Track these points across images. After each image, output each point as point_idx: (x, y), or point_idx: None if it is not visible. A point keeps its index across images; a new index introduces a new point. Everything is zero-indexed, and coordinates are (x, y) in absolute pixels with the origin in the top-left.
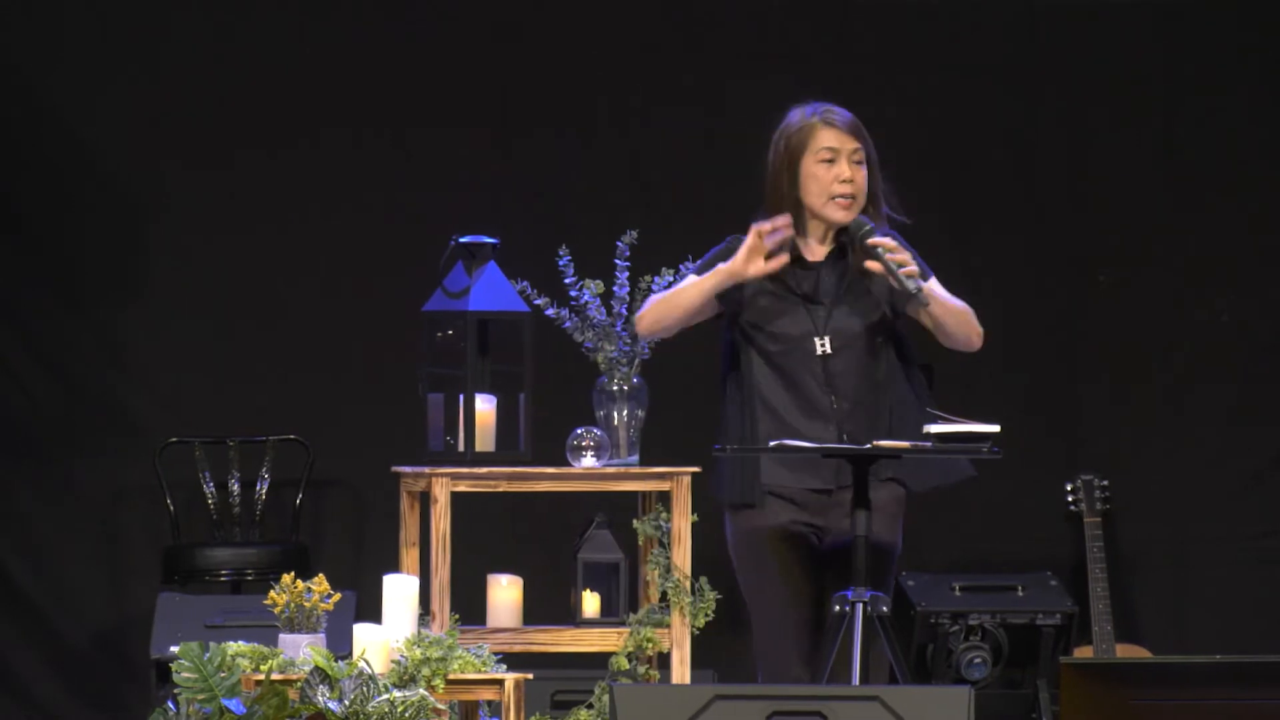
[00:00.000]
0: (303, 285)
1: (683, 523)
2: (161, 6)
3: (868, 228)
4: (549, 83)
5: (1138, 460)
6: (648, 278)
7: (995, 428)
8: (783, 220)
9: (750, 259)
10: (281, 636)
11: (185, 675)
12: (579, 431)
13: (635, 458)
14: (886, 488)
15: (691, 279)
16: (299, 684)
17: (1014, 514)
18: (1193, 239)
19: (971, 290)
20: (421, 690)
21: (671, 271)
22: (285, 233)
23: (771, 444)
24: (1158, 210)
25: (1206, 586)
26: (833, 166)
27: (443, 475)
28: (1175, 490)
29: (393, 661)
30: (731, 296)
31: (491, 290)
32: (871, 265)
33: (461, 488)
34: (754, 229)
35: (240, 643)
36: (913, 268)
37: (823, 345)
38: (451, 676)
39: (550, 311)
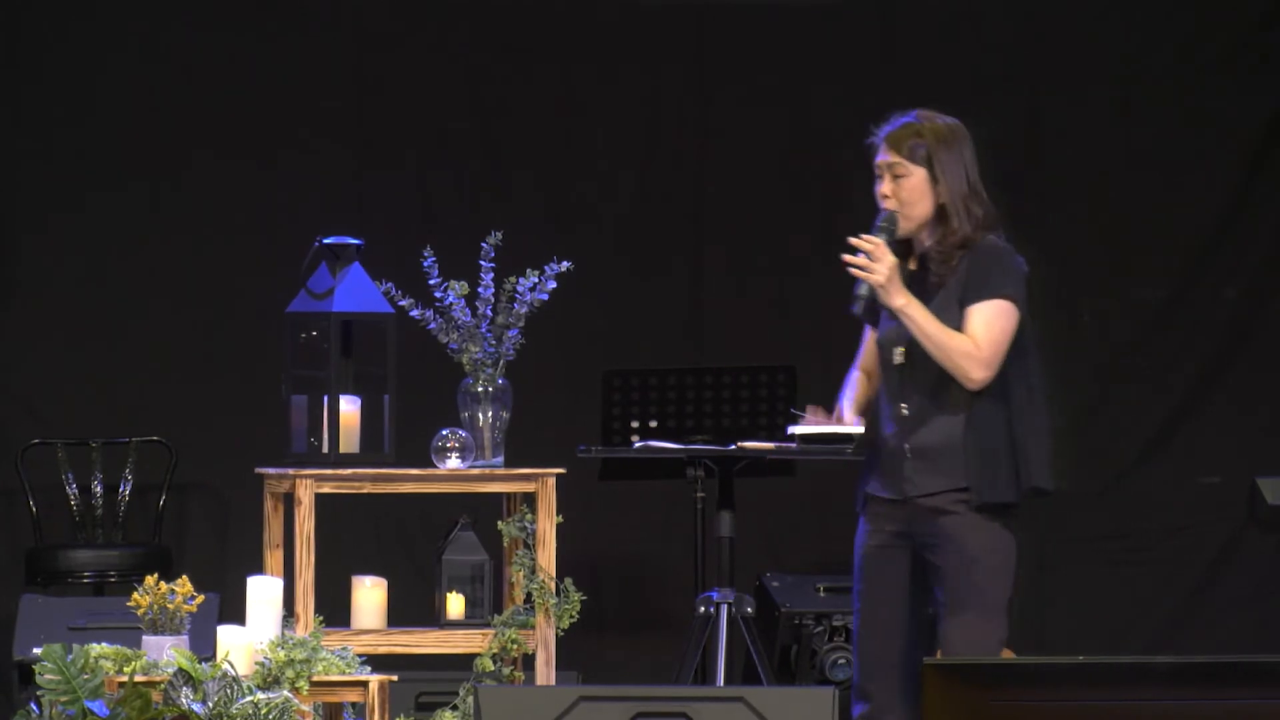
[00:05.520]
0: (166, 287)
1: (547, 524)
2: (13, 18)
3: (881, 225)
4: (410, 84)
5: None
6: (512, 279)
7: (859, 429)
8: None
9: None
10: (145, 638)
11: (48, 677)
12: (444, 433)
13: (500, 459)
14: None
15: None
16: (162, 686)
17: None
18: (1055, 241)
19: (828, 294)
20: (285, 692)
21: (536, 273)
22: (147, 235)
23: (637, 445)
24: (1019, 212)
25: (1065, 587)
26: (880, 185)
27: (307, 477)
28: None
29: (257, 663)
30: (871, 310)
31: (355, 291)
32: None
33: (326, 489)
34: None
35: (103, 644)
36: (873, 275)
37: (899, 354)
38: (316, 678)
39: (415, 313)
